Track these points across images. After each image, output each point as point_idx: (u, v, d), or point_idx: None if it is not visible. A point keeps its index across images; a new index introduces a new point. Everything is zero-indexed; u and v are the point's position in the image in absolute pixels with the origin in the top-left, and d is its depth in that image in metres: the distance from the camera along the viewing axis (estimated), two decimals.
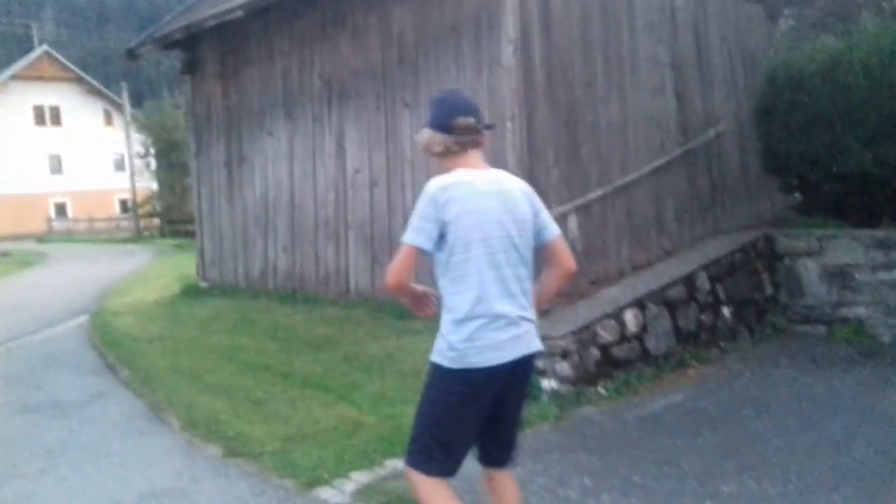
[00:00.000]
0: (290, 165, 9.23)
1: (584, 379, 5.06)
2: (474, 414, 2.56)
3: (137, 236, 32.28)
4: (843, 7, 9.56)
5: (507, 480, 2.76)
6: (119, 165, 44.02)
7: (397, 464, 4.18)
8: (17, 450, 4.86)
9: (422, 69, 7.50)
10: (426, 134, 2.70)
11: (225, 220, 10.37)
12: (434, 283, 2.70)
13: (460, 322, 2.51)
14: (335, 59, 8.52)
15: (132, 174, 33.65)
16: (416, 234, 2.50)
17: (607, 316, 5.32)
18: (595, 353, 5.18)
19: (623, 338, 5.39)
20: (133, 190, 33.83)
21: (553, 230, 2.71)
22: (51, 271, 18.85)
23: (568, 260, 2.73)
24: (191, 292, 10.63)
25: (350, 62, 8.32)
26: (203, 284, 10.80)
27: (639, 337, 5.51)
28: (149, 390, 6.09)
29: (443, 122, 2.64)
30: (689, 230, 8.26)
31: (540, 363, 5.04)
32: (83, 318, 9.97)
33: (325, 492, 3.94)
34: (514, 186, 2.66)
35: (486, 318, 2.50)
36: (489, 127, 2.74)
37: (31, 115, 43.26)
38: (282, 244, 9.43)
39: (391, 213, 7.93)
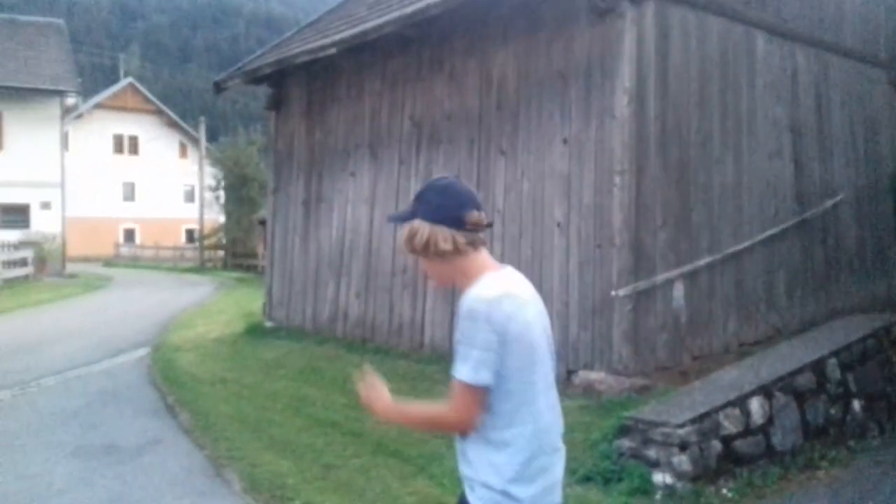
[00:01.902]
0: (370, 208, 8.84)
1: (705, 476, 4.38)
2: None
3: (201, 266, 32.51)
4: None
5: None
6: (189, 197, 44.99)
7: None
8: (67, 502, 4.40)
9: (522, 116, 7.05)
10: (425, 229, 2.07)
11: (297, 260, 10.01)
12: None
13: (524, 464, 1.98)
14: (428, 102, 8.15)
15: (202, 206, 34.10)
16: (479, 371, 1.93)
17: (731, 403, 4.64)
18: (717, 445, 4.50)
19: (747, 430, 4.69)
20: (201, 221, 34.26)
21: None
22: (115, 297, 18.86)
23: None
24: (255, 332, 10.25)
25: (444, 105, 7.93)
26: (268, 324, 10.41)
27: (764, 430, 4.80)
28: (209, 440, 5.63)
29: (452, 215, 2.06)
30: (801, 307, 7.53)
31: (653, 453, 4.40)
32: (144, 351, 9.66)
33: None
34: (535, 294, 2.14)
35: (548, 453, 2.03)
36: (489, 225, 2.16)
37: (110, 143, 44.66)
38: (355, 290, 8.98)
39: None
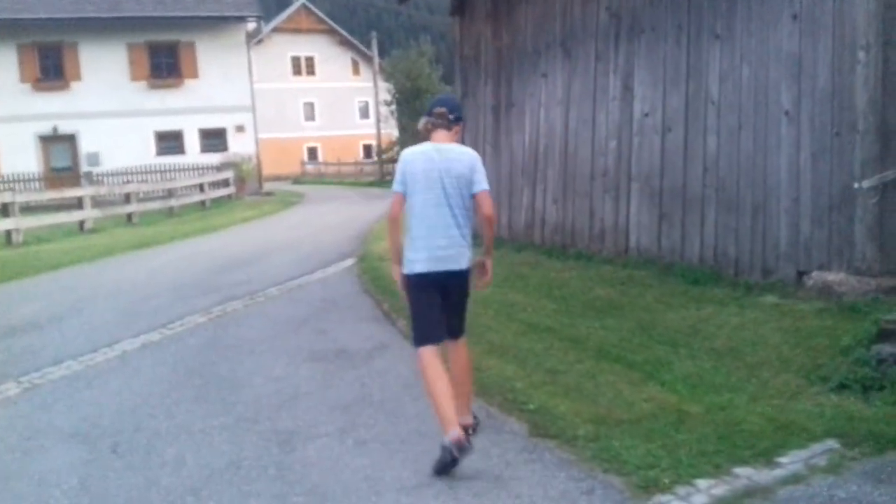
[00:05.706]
0: (565, 110, 8.52)
1: None
2: (427, 302, 3.73)
3: (381, 180, 33.64)
4: None
5: (457, 346, 3.93)
6: (363, 113, 46.41)
7: (752, 474, 3.41)
8: (315, 404, 4.70)
9: None
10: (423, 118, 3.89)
11: (489, 168, 9.81)
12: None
13: (412, 242, 3.71)
14: None
15: (378, 121, 34.98)
16: (397, 185, 3.75)
17: None
18: None
19: None
20: (378, 136, 35.24)
21: (480, 186, 3.71)
22: (310, 212, 19.97)
23: (486, 207, 3.73)
24: None
25: None
26: None
27: None
28: None
29: (428, 109, 3.86)
30: None
31: None
32: (350, 262, 10.13)
33: (667, 501, 3.25)
34: (459, 154, 3.72)
35: (425, 240, 3.68)
36: (458, 119, 3.85)
37: (289, 66, 46.60)
38: (551, 195, 8.81)
39: (687, 162, 6.97)
